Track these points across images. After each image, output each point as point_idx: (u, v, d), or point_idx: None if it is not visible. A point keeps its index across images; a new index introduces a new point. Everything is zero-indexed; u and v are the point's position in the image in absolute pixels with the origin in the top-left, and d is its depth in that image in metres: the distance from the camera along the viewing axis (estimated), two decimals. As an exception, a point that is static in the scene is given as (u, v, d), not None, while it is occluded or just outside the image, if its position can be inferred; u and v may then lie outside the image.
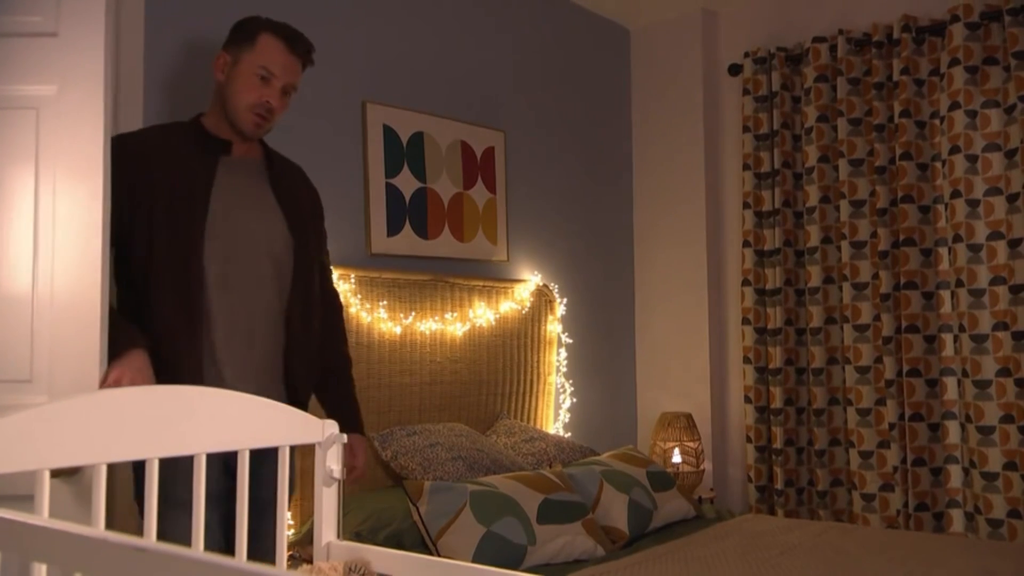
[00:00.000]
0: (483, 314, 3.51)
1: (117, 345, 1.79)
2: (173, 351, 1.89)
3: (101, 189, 2.03)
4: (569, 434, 3.92)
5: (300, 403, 2.06)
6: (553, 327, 3.89)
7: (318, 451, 1.47)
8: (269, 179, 2.11)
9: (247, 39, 2.05)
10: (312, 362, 2.14)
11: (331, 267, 2.36)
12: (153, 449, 1.25)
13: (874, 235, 3.79)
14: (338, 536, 1.49)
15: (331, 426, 1.47)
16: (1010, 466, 3.35)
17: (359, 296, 3.05)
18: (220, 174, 2.01)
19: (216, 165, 2.01)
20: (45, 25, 2.03)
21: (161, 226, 1.92)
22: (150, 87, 2.60)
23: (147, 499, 1.25)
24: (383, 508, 2.67)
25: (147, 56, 2.60)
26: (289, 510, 2.69)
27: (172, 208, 1.93)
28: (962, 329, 3.52)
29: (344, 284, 3.02)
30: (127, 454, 1.24)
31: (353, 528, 2.53)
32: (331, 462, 1.45)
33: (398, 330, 3.18)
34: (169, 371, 1.86)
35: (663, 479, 3.34)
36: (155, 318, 1.91)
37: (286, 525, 1.49)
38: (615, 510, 3.03)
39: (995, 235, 3.49)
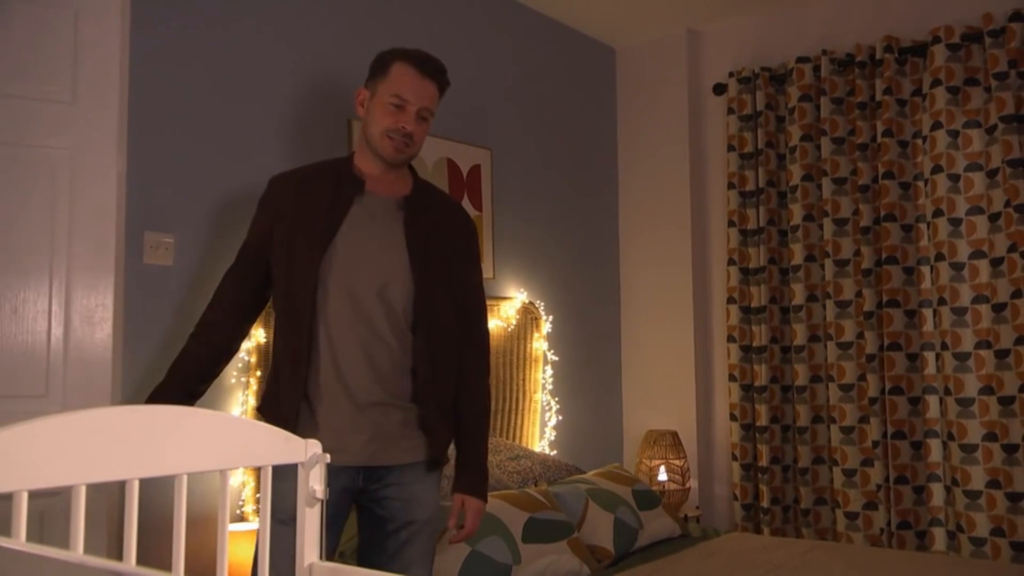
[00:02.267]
0: (469, 332, 3.50)
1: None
2: (279, 387, 2.05)
3: (114, 229, 2.39)
4: (555, 452, 3.91)
5: (438, 446, 2.07)
6: (539, 345, 3.89)
7: (300, 471, 1.46)
8: (404, 218, 2.08)
9: (381, 71, 2.09)
10: (447, 409, 2.11)
11: (482, 308, 2.24)
12: (133, 470, 1.24)
13: (857, 253, 3.81)
14: (320, 557, 1.47)
15: (314, 446, 1.46)
16: (993, 484, 3.36)
17: (344, 314, 3.04)
18: (353, 211, 2.04)
19: (351, 203, 2.04)
20: (62, 95, 2.35)
21: (288, 262, 2.02)
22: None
23: (127, 522, 1.23)
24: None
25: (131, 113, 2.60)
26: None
27: (299, 244, 2.01)
28: (944, 347, 3.54)
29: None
30: (107, 475, 1.22)
31: (336, 549, 2.51)
32: (313, 482, 1.44)
33: (383, 348, 3.17)
34: (275, 406, 2.04)
35: (649, 497, 3.33)
36: (274, 350, 2.11)
37: (268, 546, 1.47)
38: (601, 529, 3.02)
39: (977, 254, 3.51)
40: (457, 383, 2.14)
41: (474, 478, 2.12)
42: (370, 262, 2.03)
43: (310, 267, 1.99)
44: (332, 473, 1.91)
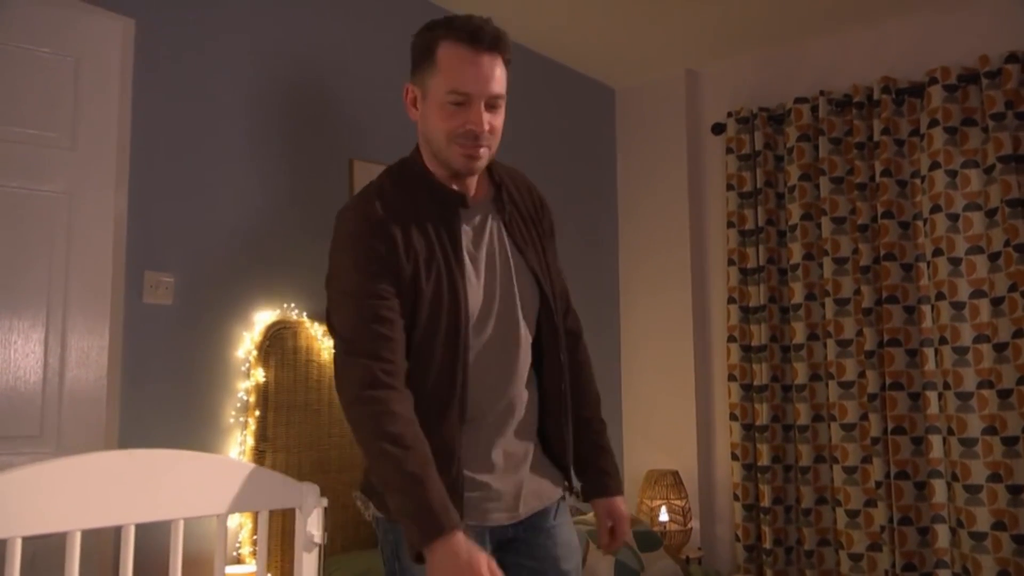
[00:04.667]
0: (468, 371, 3.48)
1: (440, 523, 1.41)
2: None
3: (111, 272, 2.46)
4: (555, 492, 3.87)
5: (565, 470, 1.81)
6: (539, 383, 3.86)
7: (298, 515, 1.44)
8: (503, 225, 1.74)
9: (427, 59, 1.64)
10: (567, 421, 1.81)
11: (567, 290, 1.97)
12: (129, 515, 1.22)
13: (857, 292, 3.81)
14: (318, 604, 1.46)
15: (311, 490, 1.44)
16: (998, 526, 3.33)
17: (344, 353, 3.03)
18: (464, 233, 1.68)
19: (459, 223, 1.68)
20: (61, 140, 2.43)
21: (422, 304, 1.60)
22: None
23: (122, 568, 1.22)
24: (366, 569, 2.62)
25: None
26: (269, 572, 2.64)
27: (431, 287, 1.61)
28: (947, 387, 3.52)
29: (329, 340, 3.00)
30: (102, 520, 1.21)
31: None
32: (311, 527, 1.42)
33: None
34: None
35: (650, 539, 3.29)
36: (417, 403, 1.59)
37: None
38: (601, 571, 2.98)
39: (978, 293, 3.51)
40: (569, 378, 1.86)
41: (612, 476, 1.85)
42: (500, 287, 1.70)
43: (452, 310, 1.61)
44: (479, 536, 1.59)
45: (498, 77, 1.64)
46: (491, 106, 1.64)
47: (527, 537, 1.71)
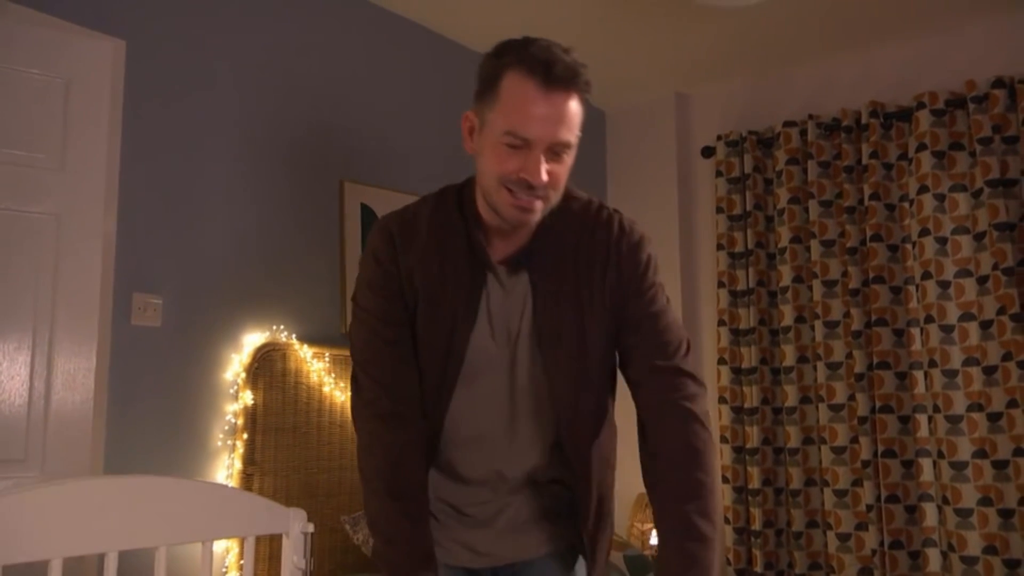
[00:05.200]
0: (458, 393, 3.47)
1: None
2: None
3: (98, 294, 2.44)
4: (545, 515, 3.84)
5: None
6: (529, 406, 3.84)
7: (285, 542, 1.43)
8: (530, 283, 1.51)
9: (490, 88, 1.41)
10: (608, 519, 1.70)
11: (669, 336, 1.64)
12: (112, 542, 1.21)
13: (847, 315, 3.82)
14: (304, 631, 1.44)
15: (298, 516, 1.43)
16: (990, 550, 3.32)
17: (333, 375, 3.02)
18: (490, 291, 1.50)
19: (483, 279, 1.50)
20: (50, 162, 2.45)
21: (422, 357, 1.50)
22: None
23: (104, 595, 1.20)
24: (353, 595, 2.59)
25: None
26: (255, 598, 2.61)
27: (429, 328, 1.49)
28: (936, 410, 3.52)
29: (318, 363, 2.99)
30: (84, 548, 1.19)
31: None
32: (297, 554, 1.41)
33: (372, 410, 3.13)
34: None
35: (641, 563, 3.27)
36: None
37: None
38: (591, 596, 2.95)
39: (967, 316, 3.52)
40: (654, 436, 1.69)
41: None
42: (504, 363, 1.53)
43: (444, 382, 1.50)
44: None
45: (568, 121, 1.39)
46: (555, 153, 1.40)
47: None
